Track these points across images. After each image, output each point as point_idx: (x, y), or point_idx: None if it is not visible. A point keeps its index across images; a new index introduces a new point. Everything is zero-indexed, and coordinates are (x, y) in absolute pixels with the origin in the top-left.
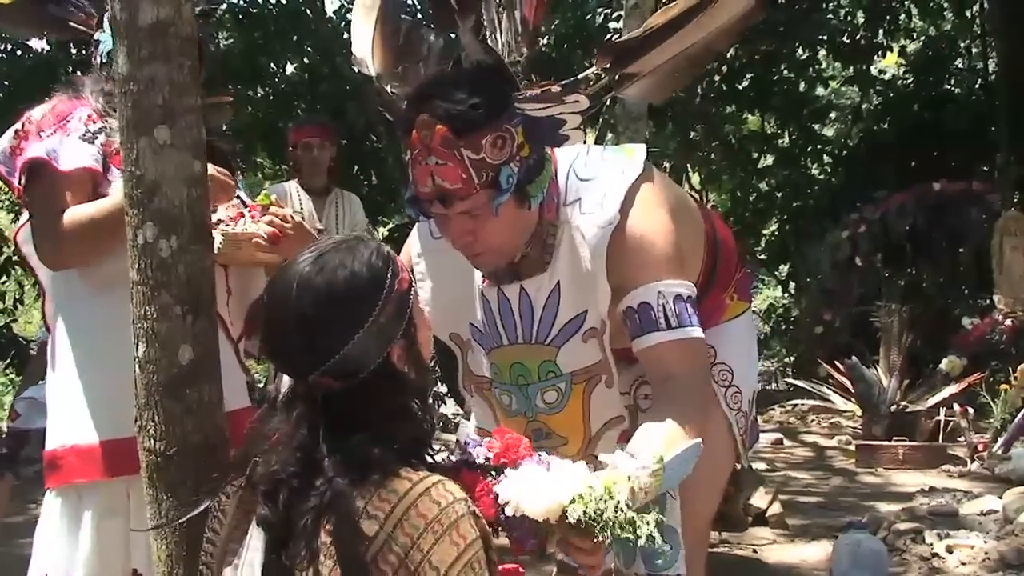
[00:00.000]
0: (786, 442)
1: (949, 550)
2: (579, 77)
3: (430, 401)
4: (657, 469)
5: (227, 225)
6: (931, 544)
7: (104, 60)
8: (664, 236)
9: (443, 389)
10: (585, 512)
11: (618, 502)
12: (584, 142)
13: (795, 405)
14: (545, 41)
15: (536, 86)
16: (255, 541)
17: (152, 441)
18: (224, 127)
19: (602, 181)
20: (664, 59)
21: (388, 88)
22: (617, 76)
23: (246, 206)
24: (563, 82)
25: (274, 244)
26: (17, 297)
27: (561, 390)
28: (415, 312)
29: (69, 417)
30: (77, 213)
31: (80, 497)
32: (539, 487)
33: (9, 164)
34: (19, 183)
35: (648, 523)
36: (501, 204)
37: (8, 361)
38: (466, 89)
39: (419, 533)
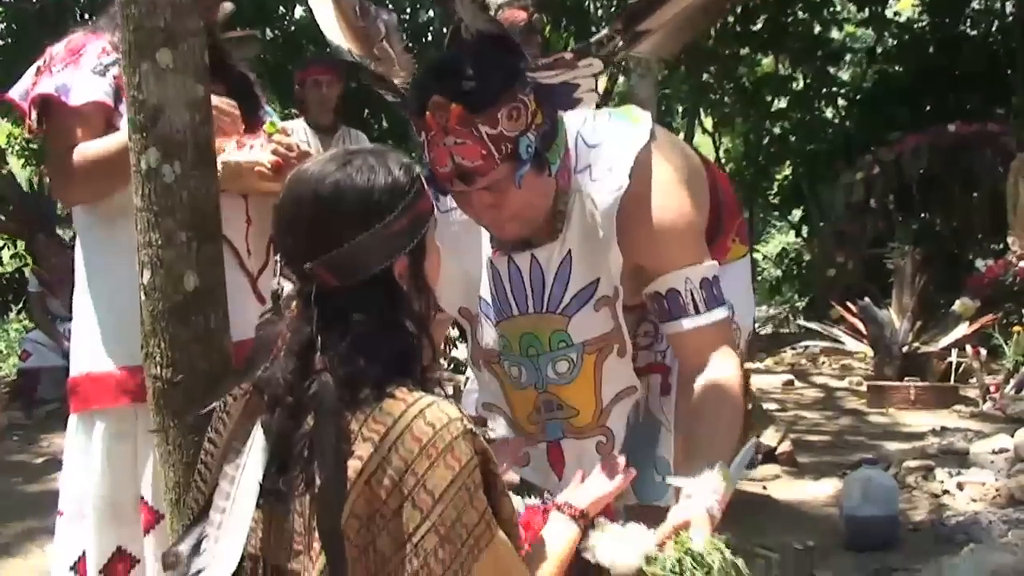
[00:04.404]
0: (796, 383)
1: (960, 487)
2: (592, 41)
3: (428, 329)
4: (727, 485)
5: (230, 152)
6: (941, 481)
7: None
8: (684, 215)
9: (455, 333)
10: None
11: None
12: (596, 103)
13: (806, 347)
14: None
15: (550, 54)
16: (258, 443)
17: (159, 368)
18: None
19: (610, 146)
20: (676, 11)
21: (375, 69)
22: (631, 35)
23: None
24: (576, 47)
25: (277, 173)
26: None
27: (572, 360)
28: (429, 242)
29: (86, 344)
30: (86, 150)
31: (93, 421)
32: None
33: (27, 101)
34: (30, 119)
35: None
36: (524, 175)
37: (21, 306)
38: (475, 64)
39: (413, 457)
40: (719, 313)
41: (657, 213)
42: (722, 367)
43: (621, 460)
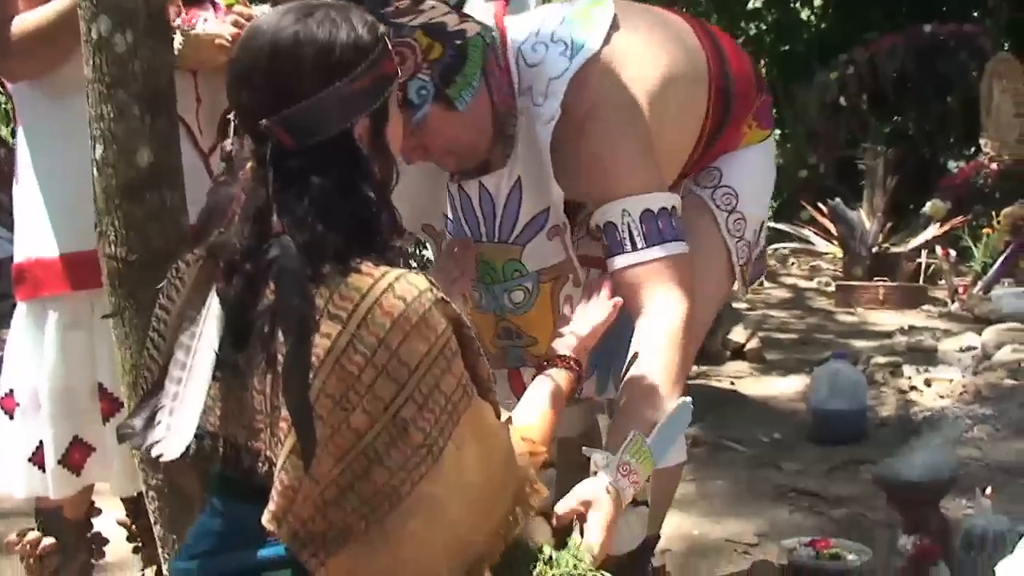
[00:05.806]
0: (765, 283)
1: (927, 383)
2: None
3: (388, 196)
4: (643, 454)
5: (186, 25)
6: (909, 377)
7: None
8: (626, 141)
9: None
10: None
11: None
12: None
13: (776, 249)
14: None
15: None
16: (214, 311)
17: (113, 247)
18: None
19: (549, 66)
20: None
21: None
22: None
23: (214, 7)
24: None
25: None
26: None
27: (528, 289)
28: (391, 106)
29: (33, 230)
30: (25, 22)
31: (45, 309)
32: None
33: None
34: None
35: None
36: (421, 119)
37: None
38: None
39: (385, 332)
40: (661, 251)
41: (591, 139)
42: (657, 317)
43: (606, 288)
